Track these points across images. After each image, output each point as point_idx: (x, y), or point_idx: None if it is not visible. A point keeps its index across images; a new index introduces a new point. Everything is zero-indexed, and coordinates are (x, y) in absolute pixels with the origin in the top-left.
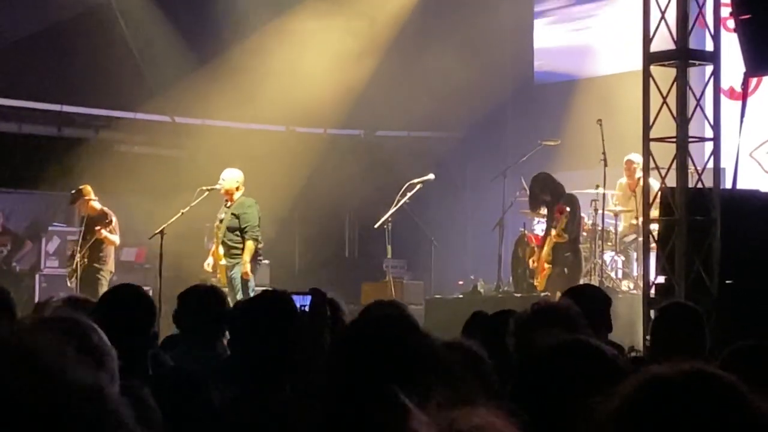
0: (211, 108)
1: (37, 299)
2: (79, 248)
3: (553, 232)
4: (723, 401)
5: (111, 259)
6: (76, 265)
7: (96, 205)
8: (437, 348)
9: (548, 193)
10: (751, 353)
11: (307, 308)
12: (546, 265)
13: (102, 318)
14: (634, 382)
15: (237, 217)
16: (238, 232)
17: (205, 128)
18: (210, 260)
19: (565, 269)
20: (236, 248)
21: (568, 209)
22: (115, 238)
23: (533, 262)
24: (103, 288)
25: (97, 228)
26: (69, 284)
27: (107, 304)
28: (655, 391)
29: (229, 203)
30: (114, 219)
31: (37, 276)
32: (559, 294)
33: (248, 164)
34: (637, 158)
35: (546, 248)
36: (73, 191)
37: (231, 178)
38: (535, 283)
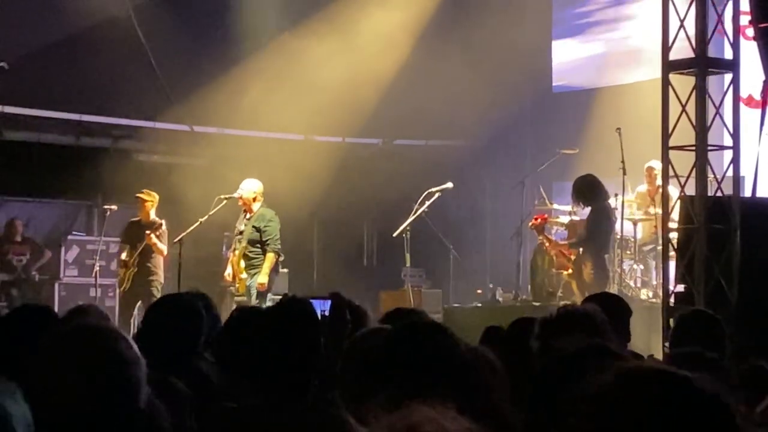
0: (229, 117)
1: (56, 308)
2: (128, 256)
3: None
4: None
5: (161, 269)
6: (126, 273)
7: (152, 213)
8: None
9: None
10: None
11: (327, 313)
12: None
13: (151, 327)
14: (612, 374)
15: (258, 230)
16: (259, 245)
17: (223, 137)
18: (229, 270)
19: (592, 275)
20: (257, 259)
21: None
22: (163, 247)
23: (556, 256)
24: (155, 297)
25: (147, 233)
26: (118, 292)
27: (155, 313)
28: (630, 383)
29: (248, 214)
30: (164, 227)
31: (56, 285)
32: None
33: (267, 173)
34: (658, 165)
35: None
36: (146, 191)
37: (249, 188)
38: (568, 265)
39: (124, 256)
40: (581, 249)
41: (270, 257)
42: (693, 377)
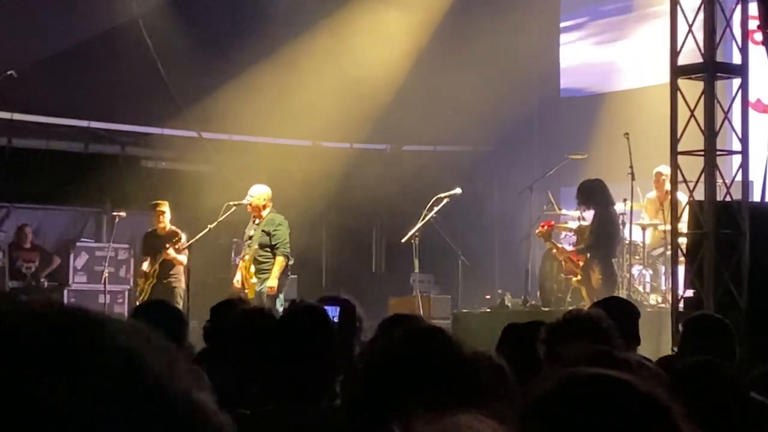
0: (237, 123)
1: None
2: (148, 267)
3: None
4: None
5: (183, 277)
6: (145, 284)
7: (167, 223)
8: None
9: (584, 202)
10: None
11: (336, 318)
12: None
13: None
14: (554, 379)
15: (268, 234)
16: (268, 249)
17: (231, 143)
18: (238, 277)
19: (601, 280)
20: (267, 264)
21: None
22: (183, 258)
23: (565, 261)
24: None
25: (166, 246)
26: (138, 302)
27: (139, 318)
28: (569, 388)
29: (257, 220)
30: (183, 238)
31: (65, 291)
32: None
33: (275, 179)
34: (667, 170)
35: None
36: (154, 202)
37: (259, 194)
38: (577, 271)
39: (145, 267)
40: (588, 254)
41: (279, 261)
42: (632, 380)
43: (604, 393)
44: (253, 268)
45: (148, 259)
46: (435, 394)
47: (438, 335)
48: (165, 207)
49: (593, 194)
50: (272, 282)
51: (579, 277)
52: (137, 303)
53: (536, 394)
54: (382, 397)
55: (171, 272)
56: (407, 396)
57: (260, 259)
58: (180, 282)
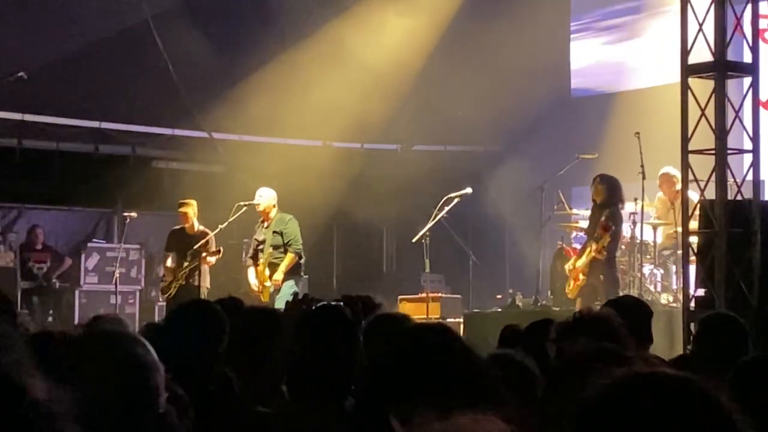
0: (247, 123)
1: (76, 315)
2: (173, 264)
3: (594, 246)
4: (684, 402)
5: (208, 276)
6: (171, 283)
7: (195, 222)
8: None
9: (606, 194)
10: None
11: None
12: (581, 276)
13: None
14: (605, 382)
15: (280, 234)
16: (282, 249)
17: (242, 144)
18: (254, 281)
19: (603, 282)
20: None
21: (613, 228)
22: (212, 260)
23: (568, 268)
24: None
25: (203, 255)
26: (161, 301)
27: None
28: (617, 393)
29: (266, 223)
30: (212, 239)
31: (76, 292)
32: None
33: (285, 179)
34: (673, 171)
35: (584, 259)
36: (183, 200)
37: (268, 196)
38: (567, 291)
39: (168, 263)
40: (605, 254)
41: (290, 257)
42: (693, 378)
43: (665, 393)
44: (268, 272)
45: (172, 255)
46: (439, 392)
47: (442, 333)
48: (189, 208)
49: (617, 191)
50: (278, 276)
51: (581, 281)
52: (164, 299)
53: (592, 395)
54: (384, 396)
55: (197, 272)
56: (410, 395)
57: (275, 261)
58: (205, 281)
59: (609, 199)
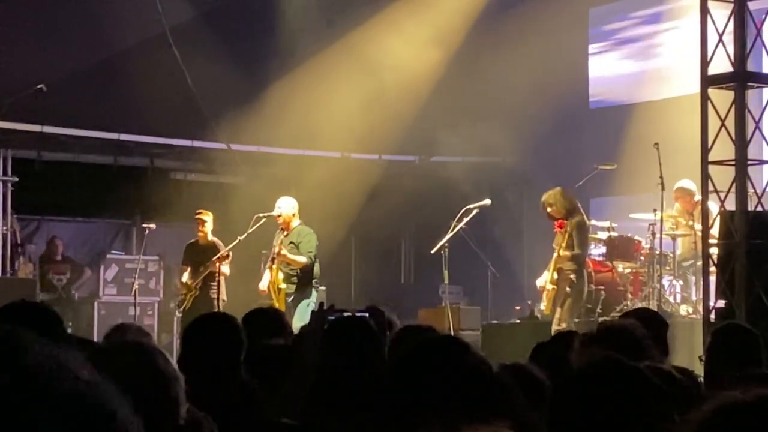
0: (266, 135)
1: (96, 326)
2: (190, 278)
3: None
4: None
5: (224, 287)
6: (187, 296)
7: (208, 233)
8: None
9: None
10: None
11: None
12: (549, 287)
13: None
14: (709, 407)
15: (296, 245)
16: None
17: (260, 155)
18: (266, 283)
19: (568, 288)
20: (295, 275)
21: (568, 227)
22: (227, 269)
23: (541, 288)
24: None
25: (218, 266)
26: (177, 313)
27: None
28: (729, 417)
29: (286, 232)
30: (222, 246)
31: (95, 303)
32: (559, 311)
33: (304, 191)
34: (689, 185)
35: (552, 269)
36: (197, 211)
37: (288, 206)
38: (542, 307)
39: (185, 278)
40: (574, 265)
41: (301, 258)
42: None
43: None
44: (281, 275)
45: (188, 269)
46: (451, 404)
47: (454, 345)
48: (206, 217)
49: (575, 203)
50: (282, 257)
51: (554, 287)
52: (180, 313)
53: (695, 422)
54: (398, 407)
55: (212, 283)
56: (424, 407)
57: (289, 272)
58: (221, 293)
59: (574, 213)
